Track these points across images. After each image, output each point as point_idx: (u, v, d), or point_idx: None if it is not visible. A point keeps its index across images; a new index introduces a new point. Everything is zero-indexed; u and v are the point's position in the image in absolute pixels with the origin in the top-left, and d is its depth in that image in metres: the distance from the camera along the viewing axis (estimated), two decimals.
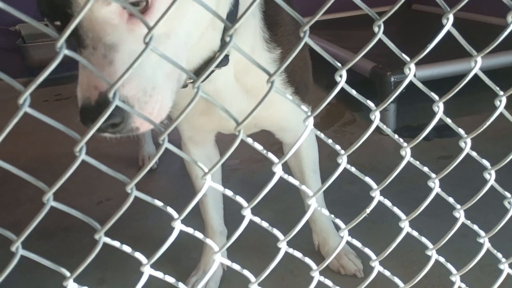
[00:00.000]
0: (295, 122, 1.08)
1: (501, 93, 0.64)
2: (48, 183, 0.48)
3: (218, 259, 0.60)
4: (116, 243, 0.55)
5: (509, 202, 0.72)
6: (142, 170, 0.53)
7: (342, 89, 0.58)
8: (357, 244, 0.66)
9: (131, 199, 0.53)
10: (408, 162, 0.64)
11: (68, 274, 0.53)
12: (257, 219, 0.61)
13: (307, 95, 1.07)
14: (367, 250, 0.67)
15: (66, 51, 0.46)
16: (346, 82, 0.57)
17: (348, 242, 1.29)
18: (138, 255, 0.56)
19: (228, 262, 0.62)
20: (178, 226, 0.57)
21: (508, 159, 0.67)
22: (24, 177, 0.48)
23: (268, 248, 1.33)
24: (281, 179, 0.59)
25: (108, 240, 0.54)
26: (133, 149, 2.10)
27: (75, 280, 0.54)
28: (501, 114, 0.66)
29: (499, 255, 0.76)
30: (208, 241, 0.61)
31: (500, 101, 0.64)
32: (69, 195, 1.79)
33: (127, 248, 0.56)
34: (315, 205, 0.62)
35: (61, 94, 3.09)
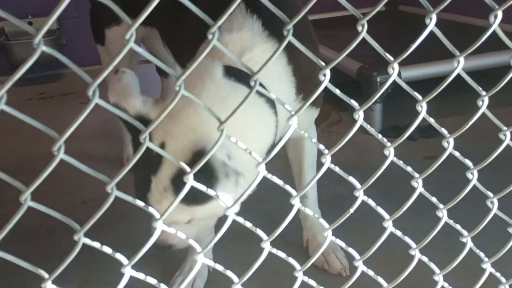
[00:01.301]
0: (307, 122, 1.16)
1: (484, 93, 0.64)
2: (31, 183, 0.47)
3: (200, 259, 0.60)
4: (96, 244, 0.54)
5: (491, 202, 0.73)
6: (122, 169, 0.52)
7: (329, 89, 0.58)
8: (341, 243, 0.65)
9: (111, 199, 0.53)
10: (393, 162, 0.65)
11: (46, 276, 0.52)
12: (240, 219, 0.60)
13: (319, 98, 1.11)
14: (351, 250, 0.67)
15: (44, 48, 0.45)
16: (332, 82, 0.57)
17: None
18: (118, 256, 0.55)
19: (211, 263, 0.61)
20: (160, 226, 0.56)
21: (490, 159, 0.67)
22: (1, 176, 0.46)
23: (254, 247, 1.32)
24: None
25: (87, 241, 0.53)
26: (118, 150, 2.08)
27: (57, 282, 0.53)
28: (485, 114, 0.66)
29: (482, 254, 0.77)
30: (191, 241, 0.60)
31: (483, 101, 0.64)
32: (53, 195, 1.76)
33: (107, 249, 0.55)
34: (298, 205, 0.62)
35: (45, 92, 3.05)
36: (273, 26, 0.94)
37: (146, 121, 0.82)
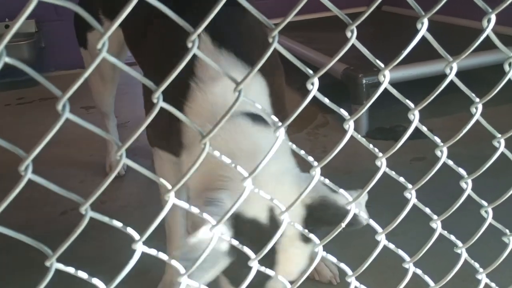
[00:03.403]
0: None
1: (477, 99, 0.62)
2: (4, 195, 0.43)
3: (184, 281, 0.56)
4: (71, 270, 0.50)
5: (486, 211, 0.71)
6: (97, 188, 0.49)
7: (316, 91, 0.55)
8: (333, 259, 0.62)
9: (86, 221, 0.49)
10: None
11: None
12: (226, 237, 0.57)
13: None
14: (342, 265, 0.64)
15: (6, 59, 0.41)
16: (318, 83, 0.54)
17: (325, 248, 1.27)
18: (95, 281, 0.51)
19: (196, 285, 0.58)
20: (140, 248, 0.53)
21: (485, 168, 0.65)
22: None
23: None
24: None
25: (61, 266, 0.49)
26: (101, 156, 2.03)
27: None
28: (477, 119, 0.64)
29: (477, 265, 0.74)
30: (174, 262, 0.56)
31: (476, 108, 0.62)
32: (32, 205, 1.70)
33: (83, 274, 0.51)
34: (287, 220, 0.59)
35: (24, 98, 2.96)
36: (245, 50, 0.92)
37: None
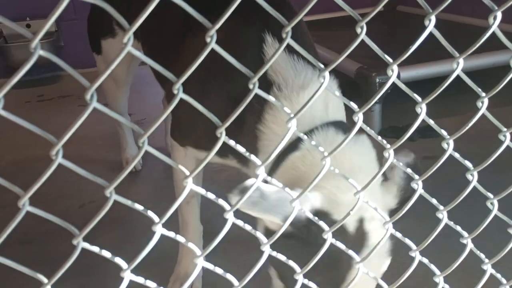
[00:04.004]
0: None
1: (483, 94, 0.64)
2: (28, 187, 0.46)
3: (200, 263, 0.59)
4: (95, 248, 0.53)
5: (491, 203, 0.73)
6: (121, 173, 0.52)
7: None
8: (341, 246, 0.65)
9: (110, 203, 0.52)
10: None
11: (45, 280, 0.51)
12: (240, 222, 0.60)
13: None
14: (350, 252, 0.66)
15: (41, 52, 0.45)
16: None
17: None
18: (118, 260, 0.55)
19: (210, 266, 0.61)
20: (159, 230, 0.56)
21: (490, 160, 0.67)
22: None
23: (254, 250, 1.32)
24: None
25: (86, 245, 0.52)
26: (117, 152, 2.08)
27: (54, 287, 0.52)
28: (484, 114, 0.66)
29: (482, 255, 0.76)
30: (191, 245, 0.60)
31: (482, 102, 0.64)
32: (50, 199, 1.75)
33: (106, 253, 0.54)
34: (298, 207, 0.61)
35: (44, 95, 3.04)
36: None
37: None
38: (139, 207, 0.56)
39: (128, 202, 0.54)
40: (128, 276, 0.55)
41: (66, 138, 0.46)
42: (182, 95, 0.51)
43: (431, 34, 0.58)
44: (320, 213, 0.73)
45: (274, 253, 0.62)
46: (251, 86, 0.51)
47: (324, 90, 0.53)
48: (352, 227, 0.76)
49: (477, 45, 0.59)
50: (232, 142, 0.56)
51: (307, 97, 0.90)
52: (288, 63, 0.95)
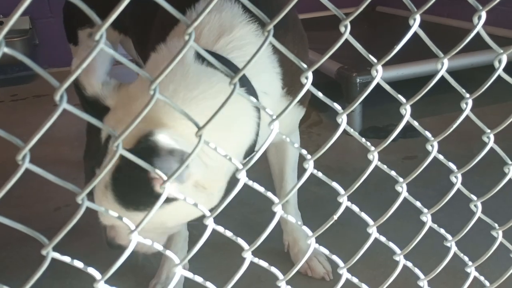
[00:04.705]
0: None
1: (467, 95, 0.63)
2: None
3: (179, 271, 0.57)
4: (67, 259, 0.50)
5: (475, 205, 0.72)
6: (93, 179, 0.49)
7: (309, 90, 0.56)
8: (325, 251, 0.63)
9: (82, 211, 0.49)
10: (376, 165, 0.63)
11: None
12: (220, 228, 0.57)
13: (306, 98, 1.09)
14: (334, 257, 0.65)
15: (5, 49, 0.42)
16: (313, 83, 0.55)
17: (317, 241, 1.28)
18: (91, 270, 0.52)
19: (189, 275, 0.59)
20: (135, 238, 0.53)
21: (474, 162, 0.66)
22: None
23: (235, 254, 1.30)
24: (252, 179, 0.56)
25: (57, 255, 0.49)
26: None
27: None
28: (466, 115, 0.65)
29: (466, 258, 0.76)
30: (169, 253, 0.57)
31: (466, 103, 0.63)
32: (25, 202, 1.69)
33: (78, 264, 0.51)
34: (280, 212, 0.59)
35: (17, 94, 2.95)
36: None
37: (100, 105, 0.77)
38: (113, 214, 0.53)
39: (101, 209, 0.52)
40: (102, 287, 0.52)
41: (32, 142, 0.43)
42: (159, 96, 0.49)
43: (413, 34, 0.57)
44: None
45: (256, 260, 0.60)
46: None
47: None
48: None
49: (462, 46, 0.58)
50: (212, 145, 0.54)
51: None
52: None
